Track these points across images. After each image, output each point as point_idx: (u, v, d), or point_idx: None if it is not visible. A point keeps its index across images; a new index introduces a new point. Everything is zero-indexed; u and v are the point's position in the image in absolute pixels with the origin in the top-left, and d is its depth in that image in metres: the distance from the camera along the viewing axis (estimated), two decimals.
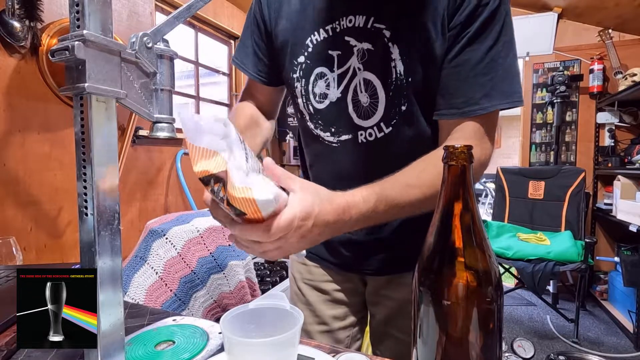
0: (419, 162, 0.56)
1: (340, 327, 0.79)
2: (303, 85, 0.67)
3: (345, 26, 0.62)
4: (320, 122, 0.68)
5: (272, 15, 0.70)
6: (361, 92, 0.63)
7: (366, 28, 0.60)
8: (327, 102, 0.66)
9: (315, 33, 0.64)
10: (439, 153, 0.56)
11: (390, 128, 0.63)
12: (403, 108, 0.62)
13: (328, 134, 0.68)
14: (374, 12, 0.60)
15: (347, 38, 0.62)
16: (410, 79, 0.60)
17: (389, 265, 0.73)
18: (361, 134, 0.65)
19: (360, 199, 0.50)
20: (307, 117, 0.70)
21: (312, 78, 0.66)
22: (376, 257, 0.73)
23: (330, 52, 0.64)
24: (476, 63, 0.56)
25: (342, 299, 0.79)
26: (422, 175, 0.54)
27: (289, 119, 3.47)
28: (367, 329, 0.87)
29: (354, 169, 0.67)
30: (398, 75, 0.60)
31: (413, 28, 0.58)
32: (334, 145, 0.68)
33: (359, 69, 0.62)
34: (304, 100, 0.68)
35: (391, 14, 0.59)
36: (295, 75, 0.68)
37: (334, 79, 0.64)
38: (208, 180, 0.39)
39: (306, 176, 0.80)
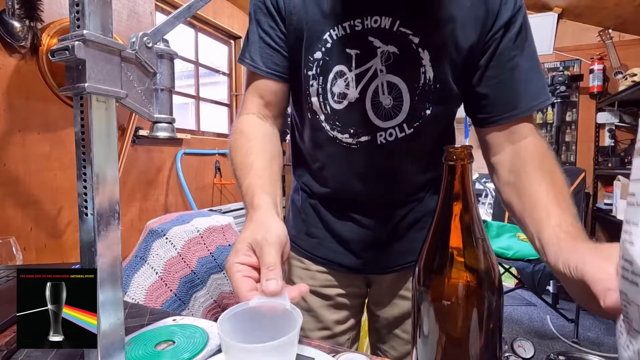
0: (539, 177, 0.55)
1: (342, 330, 0.79)
2: (320, 83, 0.63)
3: (369, 26, 0.59)
4: (337, 123, 0.65)
5: (285, 2, 0.63)
6: (383, 94, 0.62)
7: (392, 31, 0.59)
8: (345, 102, 0.63)
9: (336, 28, 0.61)
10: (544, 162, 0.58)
11: (412, 130, 0.63)
12: (428, 112, 0.62)
13: (346, 135, 0.65)
14: (399, 16, 0.58)
15: (370, 38, 0.60)
16: (438, 85, 0.60)
17: (400, 262, 0.73)
18: (381, 135, 0.64)
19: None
20: (322, 118, 0.66)
21: (330, 76, 0.63)
22: (388, 251, 0.73)
23: (348, 50, 0.61)
24: (526, 62, 0.60)
25: (345, 302, 0.79)
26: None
27: (289, 119, 3.46)
28: (366, 329, 0.87)
29: (373, 168, 0.67)
30: (427, 80, 0.60)
31: (444, 35, 0.58)
32: (353, 146, 0.65)
33: (381, 71, 0.61)
34: (321, 100, 0.65)
35: (418, 19, 0.58)
36: (311, 73, 0.64)
37: (352, 78, 0.62)
38: None
39: (314, 177, 0.74)
